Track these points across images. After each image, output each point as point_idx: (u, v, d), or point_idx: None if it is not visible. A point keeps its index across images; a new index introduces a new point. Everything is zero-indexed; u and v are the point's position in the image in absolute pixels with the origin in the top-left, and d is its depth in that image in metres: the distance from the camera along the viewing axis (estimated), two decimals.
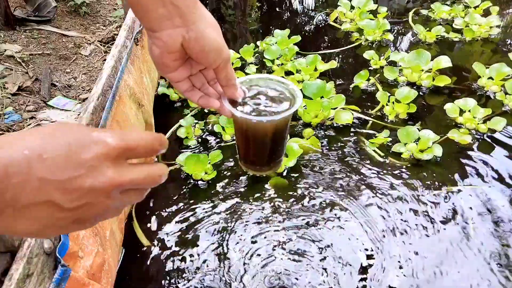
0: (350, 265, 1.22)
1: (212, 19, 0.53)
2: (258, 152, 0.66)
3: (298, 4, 3.07)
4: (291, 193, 1.47)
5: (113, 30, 3.00)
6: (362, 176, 1.53)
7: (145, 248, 1.32)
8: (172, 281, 1.21)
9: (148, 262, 1.28)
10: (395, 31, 2.60)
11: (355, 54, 2.36)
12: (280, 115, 0.59)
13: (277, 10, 3.07)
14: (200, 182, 1.55)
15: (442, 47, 2.35)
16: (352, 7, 2.65)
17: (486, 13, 2.54)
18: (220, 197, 1.48)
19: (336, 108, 1.79)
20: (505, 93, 1.88)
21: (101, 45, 2.86)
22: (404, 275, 1.19)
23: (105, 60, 2.46)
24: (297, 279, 1.19)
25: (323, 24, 2.76)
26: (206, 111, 1.91)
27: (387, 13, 2.59)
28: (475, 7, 2.60)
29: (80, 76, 2.58)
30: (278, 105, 0.62)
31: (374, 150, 1.64)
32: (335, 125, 1.77)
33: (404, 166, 1.57)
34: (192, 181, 1.55)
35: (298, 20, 2.88)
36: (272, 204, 1.43)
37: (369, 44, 2.41)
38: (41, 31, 2.83)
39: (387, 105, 1.84)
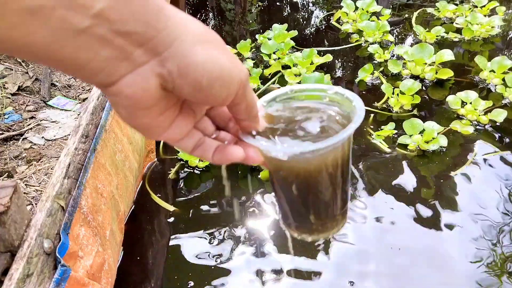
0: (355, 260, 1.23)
1: (200, 27, 0.31)
2: (320, 201, 0.44)
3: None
4: None
5: None
6: (364, 167, 1.54)
7: (145, 248, 1.32)
8: (172, 280, 1.21)
9: (148, 262, 1.28)
10: (395, 32, 2.60)
11: (355, 53, 2.36)
12: (344, 132, 0.38)
13: (277, 10, 3.07)
14: (196, 169, 1.58)
15: (442, 47, 2.36)
16: (357, 8, 2.66)
17: (494, 13, 2.56)
18: (212, 186, 1.51)
19: None
20: (505, 86, 1.91)
21: None
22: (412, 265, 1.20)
23: None
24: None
25: (324, 25, 2.76)
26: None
27: (390, 15, 2.60)
28: (481, 7, 2.62)
29: None
30: (321, 127, 0.41)
31: (380, 142, 1.68)
32: None
33: (410, 157, 1.61)
34: (188, 168, 1.59)
35: (299, 19, 2.88)
36: (264, 196, 1.43)
37: (369, 45, 2.42)
38: None
39: (391, 97, 1.89)
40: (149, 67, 0.29)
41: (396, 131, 1.71)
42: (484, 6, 2.62)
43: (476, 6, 2.66)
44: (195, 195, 1.49)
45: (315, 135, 0.40)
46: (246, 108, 0.36)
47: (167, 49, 0.29)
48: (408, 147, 1.65)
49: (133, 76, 0.29)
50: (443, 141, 1.62)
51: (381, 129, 1.73)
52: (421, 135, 1.65)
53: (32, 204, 1.56)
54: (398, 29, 2.65)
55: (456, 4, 2.75)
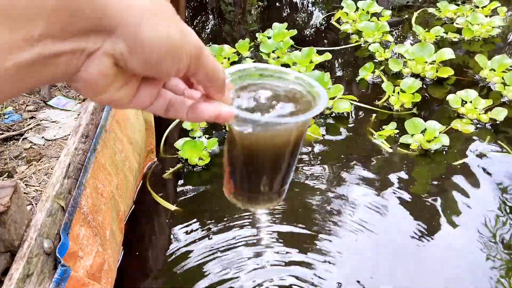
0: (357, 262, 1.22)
1: (147, 1, 0.30)
2: (270, 172, 0.46)
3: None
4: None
5: None
6: (366, 167, 1.54)
7: (144, 248, 1.32)
8: (172, 279, 1.21)
9: (148, 262, 1.28)
10: (395, 33, 2.60)
11: (355, 54, 2.37)
12: (310, 112, 0.40)
13: (277, 10, 3.07)
14: (196, 167, 1.59)
15: (441, 47, 2.36)
16: (358, 8, 2.67)
17: (495, 14, 2.56)
18: (211, 184, 1.52)
19: (335, 97, 1.85)
20: (503, 84, 1.92)
21: None
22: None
23: None
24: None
25: (324, 25, 2.76)
26: None
27: (390, 16, 2.60)
28: (482, 7, 2.63)
29: None
30: (287, 104, 0.43)
31: (382, 142, 1.68)
32: (334, 114, 1.84)
33: (412, 156, 1.62)
34: (187, 166, 1.60)
35: (299, 20, 2.88)
36: None
37: (369, 45, 2.42)
38: None
39: (392, 95, 1.90)
40: (101, 51, 0.30)
41: (397, 131, 1.71)
42: (485, 6, 2.63)
43: (477, 7, 2.66)
44: (195, 193, 1.49)
45: (278, 111, 0.42)
46: (206, 76, 0.36)
47: (114, 31, 0.29)
48: (410, 147, 1.65)
49: (88, 63, 0.30)
50: (445, 140, 1.62)
51: (383, 129, 1.73)
52: (423, 135, 1.65)
53: (32, 204, 1.56)
54: (397, 29, 2.65)
55: (458, 5, 2.75)
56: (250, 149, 0.43)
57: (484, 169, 1.54)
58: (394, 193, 1.45)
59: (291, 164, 0.46)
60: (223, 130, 1.77)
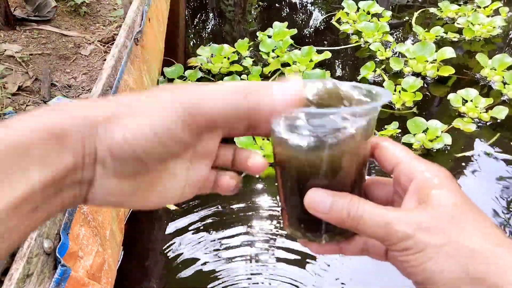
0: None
1: (96, 103, 0.28)
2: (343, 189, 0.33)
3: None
4: None
5: (113, 30, 2.99)
6: (367, 168, 1.54)
7: (145, 248, 1.32)
8: (172, 279, 1.21)
9: (148, 262, 1.28)
10: (395, 34, 2.60)
11: (355, 54, 2.36)
12: (380, 101, 0.32)
13: (277, 10, 3.07)
14: None
15: (442, 47, 2.36)
16: (359, 9, 2.67)
17: (497, 14, 2.56)
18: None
19: None
20: (503, 83, 1.93)
21: (101, 45, 2.85)
22: None
23: (105, 60, 2.45)
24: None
25: (324, 25, 2.76)
26: None
27: (390, 18, 2.60)
28: (484, 7, 2.63)
29: (80, 76, 2.58)
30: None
31: None
32: None
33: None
34: None
35: (298, 20, 2.88)
36: (263, 193, 1.43)
37: (369, 46, 2.41)
38: (41, 31, 2.82)
39: (393, 94, 1.90)
40: (99, 176, 0.27)
41: (399, 130, 1.71)
42: (487, 6, 2.62)
43: (479, 7, 2.66)
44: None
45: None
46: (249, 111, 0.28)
47: (96, 153, 0.26)
48: (412, 146, 1.65)
49: (95, 190, 0.27)
50: (447, 140, 1.62)
51: (384, 128, 1.73)
52: (425, 134, 1.65)
53: None
54: (398, 30, 2.65)
55: (459, 5, 2.75)
56: (313, 163, 0.33)
57: (486, 168, 1.54)
58: None
59: (364, 172, 0.35)
60: None
